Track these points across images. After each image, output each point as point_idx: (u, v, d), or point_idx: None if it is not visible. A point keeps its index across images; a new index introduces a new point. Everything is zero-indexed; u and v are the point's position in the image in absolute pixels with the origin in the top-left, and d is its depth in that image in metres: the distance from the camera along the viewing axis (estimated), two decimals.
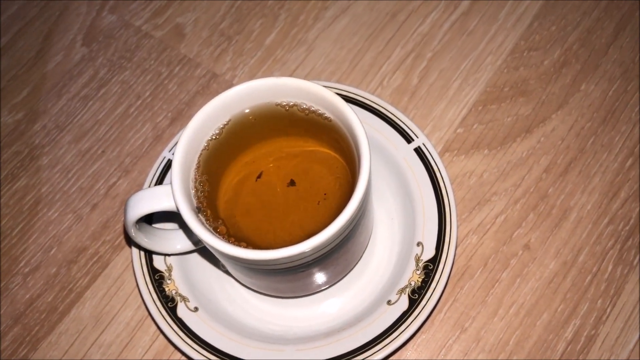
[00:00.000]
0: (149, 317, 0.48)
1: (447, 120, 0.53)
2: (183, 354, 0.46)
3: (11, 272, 0.51)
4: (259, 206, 0.41)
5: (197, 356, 0.43)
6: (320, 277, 0.42)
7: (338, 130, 0.40)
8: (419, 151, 0.47)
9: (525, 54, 0.56)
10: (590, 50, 0.55)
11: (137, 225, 0.41)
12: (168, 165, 0.49)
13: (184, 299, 0.45)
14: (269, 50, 0.58)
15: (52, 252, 0.51)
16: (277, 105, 0.41)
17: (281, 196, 0.41)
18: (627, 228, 0.48)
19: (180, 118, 0.56)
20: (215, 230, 0.39)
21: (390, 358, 0.46)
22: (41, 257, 0.51)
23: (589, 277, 0.47)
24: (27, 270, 0.51)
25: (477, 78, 0.55)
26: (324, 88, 0.39)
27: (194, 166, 0.40)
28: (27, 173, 0.55)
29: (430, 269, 0.44)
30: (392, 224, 0.48)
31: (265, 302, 0.47)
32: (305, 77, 0.55)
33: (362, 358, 0.42)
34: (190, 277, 0.46)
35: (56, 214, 0.53)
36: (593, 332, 0.46)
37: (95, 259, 0.51)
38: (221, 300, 0.46)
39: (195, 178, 0.40)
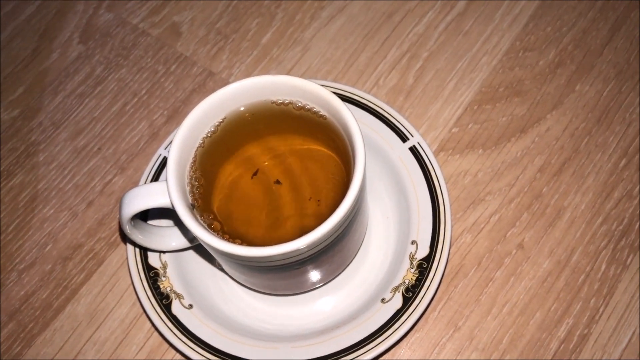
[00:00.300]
0: (144, 314, 0.48)
1: (442, 120, 0.54)
2: (177, 351, 0.46)
3: (6, 269, 0.51)
4: (254, 203, 0.41)
5: (191, 353, 0.43)
6: (314, 275, 0.43)
7: (333, 129, 0.40)
8: (414, 150, 0.47)
9: (520, 55, 0.56)
10: (585, 51, 0.56)
11: (132, 222, 0.41)
12: (164, 162, 0.49)
13: (179, 296, 0.45)
14: (265, 49, 0.58)
15: (47, 248, 0.51)
16: (273, 103, 0.41)
17: (276, 193, 0.41)
18: (621, 228, 0.49)
19: (176, 116, 0.56)
20: (210, 227, 0.39)
21: (384, 356, 0.46)
22: (36, 253, 0.51)
23: (582, 277, 0.47)
24: (22, 266, 0.51)
25: (473, 78, 0.55)
26: (319, 86, 0.39)
27: (190, 163, 0.40)
28: (22, 170, 0.55)
29: (424, 267, 0.44)
30: (387, 222, 0.48)
31: (260, 300, 0.47)
32: (301, 76, 0.55)
33: (356, 356, 0.42)
34: (185, 274, 0.46)
35: (52, 211, 0.53)
36: (586, 331, 0.46)
37: (90, 256, 0.51)
38: (216, 297, 0.46)
39: (191, 175, 0.40)
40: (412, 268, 0.44)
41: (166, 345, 0.47)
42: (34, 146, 0.56)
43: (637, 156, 0.51)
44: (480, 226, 0.49)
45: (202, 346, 0.43)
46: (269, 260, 0.37)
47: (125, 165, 0.54)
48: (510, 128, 0.53)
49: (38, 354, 0.48)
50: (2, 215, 0.53)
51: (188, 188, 0.40)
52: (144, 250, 0.46)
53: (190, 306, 0.45)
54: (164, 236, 0.44)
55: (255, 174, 0.42)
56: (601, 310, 0.46)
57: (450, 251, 0.48)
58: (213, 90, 0.53)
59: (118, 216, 0.52)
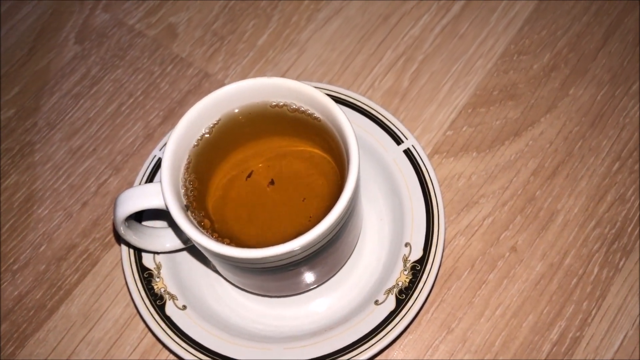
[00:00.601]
0: (138, 315, 0.48)
1: (436, 123, 0.54)
2: (171, 351, 0.46)
3: (0, 269, 0.51)
4: (249, 205, 0.41)
5: (184, 354, 0.43)
6: (308, 277, 0.43)
7: (327, 131, 0.40)
8: (408, 153, 0.48)
9: (515, 58, 0.56)
10: (579, 55, 0.56)
11: (127, 223, 0.41)
12: (159, 163, 0.49)
13: (173, 297, 0.45)
14: (261, 51, 0.58)
15: (41, 249, 0.51)
16: (268, 105, 0.41)
17: (271, 195, 0.41)
18: (613, 231, 0.49)
19: (171, 117, 0.56)
20: (204, 229, 0.39)
21: (377, 358, 0.46)
22: (30, 254, 0.51)
23: (574, 280, 0.48)
24: (16, 267, 0.51)
25: (468, 81, 0.55)
26: (313, 88, 0.39)
27: (184, 165, 0.40)
28: (17, 170, 0.55)
29: (417, 269, 0.44)
30: (381, 224, 0.48)
31: (254, 301, 0.47)
32: (297, 78, 0.56)
33: (349, 357, 0.42)
34: (179, 275, 0.46)
35: (46, 212, 0.53)
36: (578, 334, 0.46)
37: (84, 257, 0.51)
38: (209, 298, 0.47)
39: (185, 177, 0.40)
40: (406, 270, 0.44)
41: (160, 346, 0.47)
42: (29, 146, 0.56)
43: (630, 160, 0.51)
44: (473, 229, 0.50)
45: (196, 347, 0.43)
46: (262, 262, 0.37)
47: (120, 166, 0.54)
48: (504, 131, 0.53)
49: (31, 354, 0.48)
50: None
51: (182, 190, 0.40)
52: (138, 251, 0.46)
53: (184, 307, 0.45)
54: (159, 237, 0.44)
55: (249, 175, 0.42)
56: (593, 313, 0.47)
57: (444, 254, 0.48)
58: (209, 91, 0.54)
59: (112, 217, 0.52)
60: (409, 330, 0.47)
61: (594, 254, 0.48)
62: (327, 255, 0.40)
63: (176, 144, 0.39)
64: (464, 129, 0.53)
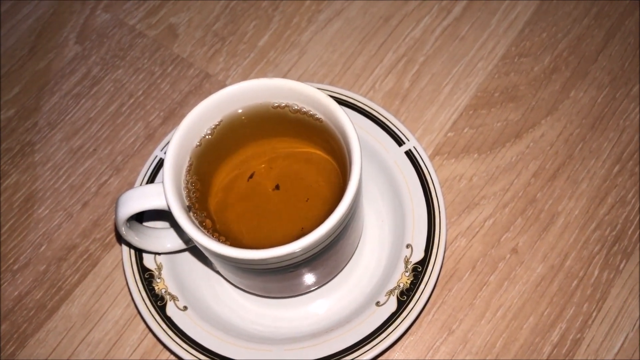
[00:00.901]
0: (138, 316, 0.48)
1: (437, 124, 0.54)
2: (172, 352, 0.46)
3: (0, 269, 0.51)
4: (250, 206, 0.41)
5: (185, 355, 0.43)
6: (309, 278, 0.43)
7: (329, 132, 0.40)
8: (409, 154, 0.48)
9: (516, 60, 0.56)
10: (580, 57, 0.56)
11: (128, 224, 0.41)
12: (159, 164, 0.49)
13: (174, 297, 0.45)
14: (262, 52, 0.58)
15: (41, 249, 0.51)
16: (270, 106, 0.41)
17: (272, 197, 0.41)
18: (614, 233, 0.49)
19: (172, 117, 0.56)
20: (206, 230, 0.39)
21: (378, 359, 0.46)
22: (31, 254, 0.51)
23: (575, 282, 0.48)
24: (16, 267, 0.51)
25: (468, 83, 0.55)
26: (315, 89, 0.39)
27: (186, 165, 0.40)
28: (17, 170, 0.55)
29: (419, 271, 0.44)
30: (382, 225, 0.48)
31: (254, 303, 0.47)
32: (298, 80, 0.56)
33: (350, 359, 0.42)
34: (180, 276, 0.46)
35: (46, 212, 0.53)
36: (579, 335, 0.46)
37: (85, 257, 0.51)
38: (210, 299, 0.46)
39: (187, 177, 0.40)
40: (407, 271, 0.44)
41: (160, 346, 0.47)
42: (30, 146, 0.56)
43: (631, 162, 0.51)
44: (474, 230, 0.50)
45: (196, 348, 0.43)
46: (263, 263, 0.37)
47: (120, 167, 0.54)
48: (505, 133, 0.53)
49: (31, 354, 0.48)
50: None
51: (184, 191, 0.40)
52: (139, 252, 0.46)
53: (185, 308, 0.45)
54: (160, 238, 0.44)
55: (251, 177, 0.42)
56: (594, 315, 0.47)
57: (445, 255, 0.48)
58: (209, 92, 0.54)
59: (113, 217, 0.52)
60: (410, 331, 0.47)
61: (594, 256, 0.48)
62: (328, 257, 0.40)
63: (178, 145, 0.39)
64: (465, 130, 0.53)
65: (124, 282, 0.49)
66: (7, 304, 0.49)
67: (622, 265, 0.48)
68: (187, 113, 0.40)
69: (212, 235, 0.39)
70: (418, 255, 0.45)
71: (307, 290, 0.46)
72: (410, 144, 0.48)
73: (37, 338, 0.48)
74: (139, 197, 0.39)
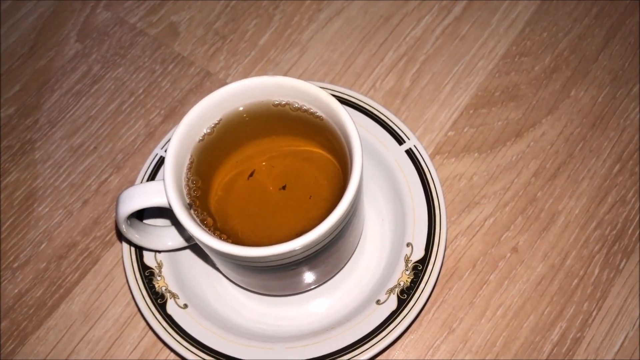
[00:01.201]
0: (138, 314, 0.48)
1: (438, 123, 0.54)
2: (172, 350, 0.46)
3: (0, 267, 0.51)
4: (251, 204, 0.41)
5: (185, 353, 0.43)
6: (310, 276, 0.43)
7: (330, 130, 0.40)
8: (410, 153, 0.48)
9: (516, 59, 0.56)
10: (580, 56, 0.56)
11: (129, 221, 0.41)
12: (160, 162, 0.49)
13: (174, 295, 0.45)
14: (262, 51, 0.58)
15: (41, 247, 0.51)
16: (270, 104, 0.41)
17: (273, 195, 0.41)
18: (614, 233, 0.49)
19: (173, 115, 0.56)
20: (207, 227, 0.39)
21: (378, 358, 0.46)
22: (31, 252, 0.51)
23: (575, 281, 0.48)
24: (16, 265, 0.51)
25: (469, 82, 0.55)
26: (317, 87, 0.39)
27: (187, 163, 0.40)
28: (18, 168, 0.55)
29: (419, 269, 0.44)
30: (383, 224, 0.48)
31: (255, 300, 0.47)
32: (299, 78, 0.56)
33: (350, 357, 0.42)
34: (181, 274, 0.46)
35: (47, 209, 0.53)
36: (579, 334, 0.46)
37: (85, 255, 0.51)
38: (211, 297, 0.46)
39: (187, 175, 0.40)
40: (407, 270, 0.44)
41: (160, 344, 0.47)
42: (30, 144, 0.56)
43: (631, 162, 0.51)
44: (475, 229, 0.50)
45: (197, 346, 0.43)
46: (264, 261, 0.37)
47: (121, 165, 0.54)
48: (505, 132, 0.53)
49: (31, 352, 0.48)
50: None
51: (185, 189, 0.40)
52: (139, 250, 0.46)
53: (185, 306, 0.45)
54: (160, 236, 0.44)
55: (251, 175, 0.42)
56: (594, 314, 0.47)
57: (445, 254, 0.48)
58: (210, 90, 0.54)
59: (114, 215, 0.52)
60: (410, 330, 0.47)
61: (594, 255, 0.48)
62: (329, 255, 0.40)
63: (179, 142, 0.39)
64: (465, 129, 0.53)
65: (124, 280, 0.49)
66: (7, 302, 0.49)
67: (622, 265, 0.48)
68: (188, 110, 0.40)
69: (213, 233, 0.39)
70: (418, 253, 0.45)
71: (308, 289, 0.46)
72: (411, 142, 0.48)
73: (37, 336, 0.48)
74: (140, 194, 0.39)
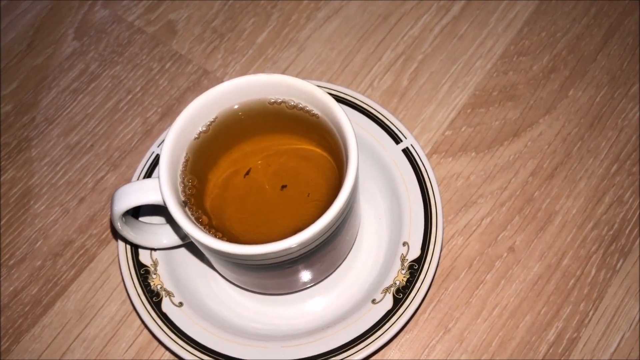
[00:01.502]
0: (134, 312, 0.48)
1: (435, 122, 0.54)
2: (167, 349, 0.46)
3: None
4: (247, 202, 0.41)
5: (180, 351, 0.43)
6: (306, 275, 0.42)
7: (326, 128, 0.40)
8: (407, 152, 0.48)
9: (514, 59, 0.56)
10: (578, 56, 0.56)
11: (124, 219, 0.41)
12: (156, 160, 0.49)
13: (169, 294, 0.45)
14: (260, 49, 0.58)
15: (37, 244, 0.51)
16: (266, 101, 0.41)
17: (269, 193, 0.41)
18: (611, 233, 0.49)
19: (170, 114, 0.56)
20: (202, 225, 0.39)
21: (374, 357, 0.46)
22: (26, 249, 0.51)
23: (572, 281, 0.48)
24: (11, 262, 0.51)
25: (467, 81, 0.55)
26: (313, 85, 0.39)
27: (182, 161, 0.40)
28: (14, 165, 0.54)
29: (415, 268, 0.44)
30: (379, 223, 0.48)
31: (251, 299, 0.47)
32: (296, 77, 0.56)
33: (346, 356, 0.42)
34: (176, 272, 0.46)
35: (43, 207, 0.53)
36: (575, 335, 0.46)
37: (81, 253, 0.51)
38: (206, 296, 0.46)
39: (183, 173, 0.40)
40: (403, 269, 0.44)
41: (155, 343, 0.47)
42: (27, 141, 0.55)
43: (629, 162, 0.51)
44: (471, 229, 0.49)
45: (192, 344, 0.43)
46: (260, 259, 0.36)
47: (118, 163, 0.54)
48: (503, 132, 0.53)
49: (26, 350, 0.48)
50: None
51: (180, 186, 0.40)
52: (135, 248, 0.46)
53: (181, 304, 0.44)
54: (156, 233, 0.44)
55: (247, 173, 0.42)
56: (591, 314, 0.47)
57: (442, 253, 0.48)
58: (207, 88, 0.53)
59: (110, 213, 0.52)
60: (405, 329, 0.47)
61: (591, 255, 0.48)
62: (325, 253, 0.40)
63: (174, 140, 0.39)
64: (462, 129, 0.53)
65: (120, 278, 0.49)
66: (3, 299, 0.49)
67: (619, 265, 0.48)
68: (184, 109, 0.40)
69: (208, 230, 0.39)
70: (414, 253, 0.44)
71: (304, 287, 0.46)
72: (408, 141, 0.48)
73: (33, 333, 0.48)
74: (135, 191, 0.39)
